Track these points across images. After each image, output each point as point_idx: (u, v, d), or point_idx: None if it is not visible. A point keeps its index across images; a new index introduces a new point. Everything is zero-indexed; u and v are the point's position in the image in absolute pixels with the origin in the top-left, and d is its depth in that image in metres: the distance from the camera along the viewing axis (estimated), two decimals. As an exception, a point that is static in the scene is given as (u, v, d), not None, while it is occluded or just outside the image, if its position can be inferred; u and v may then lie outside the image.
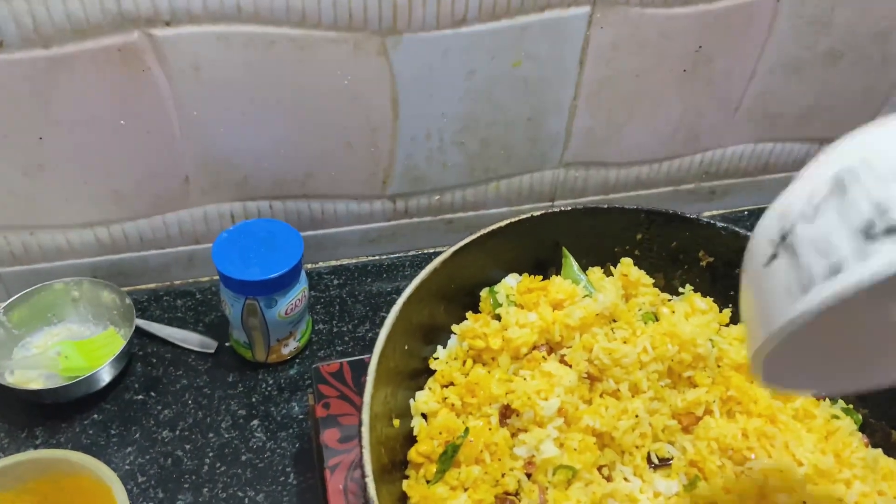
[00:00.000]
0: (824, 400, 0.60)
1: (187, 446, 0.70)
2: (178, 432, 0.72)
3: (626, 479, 0.54)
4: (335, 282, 0.90)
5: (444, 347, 0.62)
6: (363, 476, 0.40)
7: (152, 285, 0.87)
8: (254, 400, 0.75)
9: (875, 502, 0.51)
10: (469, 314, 0.63)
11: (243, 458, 0.70)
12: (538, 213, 0.61)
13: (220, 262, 0.69)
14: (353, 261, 0.93)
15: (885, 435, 0.59)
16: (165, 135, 0.73)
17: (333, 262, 0.92)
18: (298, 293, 0.74)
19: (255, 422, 0.73)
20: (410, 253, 0.95)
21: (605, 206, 0.62)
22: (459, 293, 0.62)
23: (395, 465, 0.52)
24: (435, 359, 0.60)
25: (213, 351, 0.79)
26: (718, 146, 0.96)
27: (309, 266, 0.92)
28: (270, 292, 0.71)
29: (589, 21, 0.76)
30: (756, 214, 1.03)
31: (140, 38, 0.66)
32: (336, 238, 0.90)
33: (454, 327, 0.62)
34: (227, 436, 0.72)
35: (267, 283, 0.69)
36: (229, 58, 0.69)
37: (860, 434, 0.58)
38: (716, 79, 0.87)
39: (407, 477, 0.53)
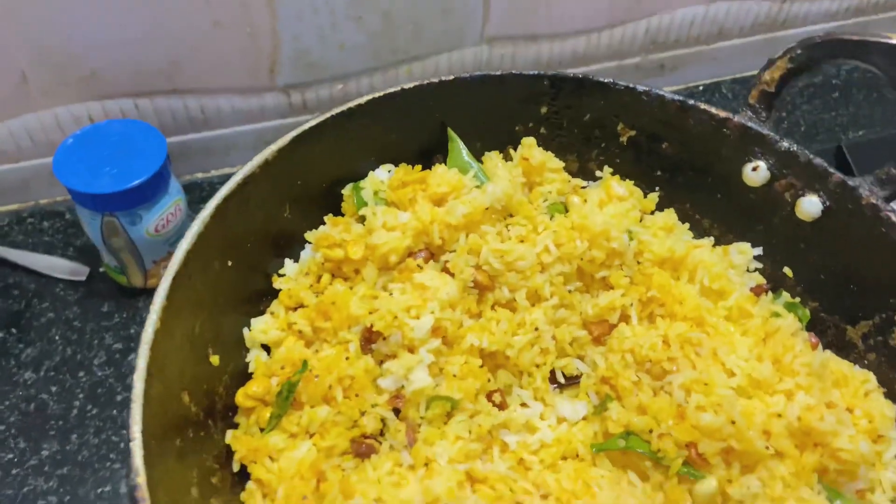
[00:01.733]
0: (766, 293, 0.50)
1: (54, 388, 0.63)
2: (43, 373, 0.64)
3: (524, 404, 0.45)
4: (229, 191, 0.79)
5: (297, 262, 0.51)
6: (129, 439, 0.30)
7: (13, 206, 0.78)
8: (132, 331, 0.67)
9: (822, 416, 0.41)
10: (329, 218, 0.52)
11: (119, 398, 0.63)
12: (411, 85, 0.49)
13: (63, 174, 0.60)
14: (251, 167, 0.82)
15: (838, 333, 0.49)
16: (-18, 22, 0.61)
17: (227, 170, 0.82)
18: (170, 206, 0.64)
19: (134, 356, 0.64)
20: (318, 154, 0.84)
21: (498, 73, 0.50)
22: (314, 192, 0.52)
23: (213, 413, 0.42)
24: (280, 276, 0.50)
25: (84, 278, 0.71)
26: (667, 9, 0.86)
27: (200, 175, 0.82)
28: (130, 206, 0.62)
29: None
30: (712, 90, 0.93)
31: None
32: (225, 141, 0.80)
33: (308, 235, 0.52)
34: (100, 374, 0.64)
35: (123, 194, 0.60)
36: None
37: (806, 334, 0.49)
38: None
39: (236, 426, 0.44)
